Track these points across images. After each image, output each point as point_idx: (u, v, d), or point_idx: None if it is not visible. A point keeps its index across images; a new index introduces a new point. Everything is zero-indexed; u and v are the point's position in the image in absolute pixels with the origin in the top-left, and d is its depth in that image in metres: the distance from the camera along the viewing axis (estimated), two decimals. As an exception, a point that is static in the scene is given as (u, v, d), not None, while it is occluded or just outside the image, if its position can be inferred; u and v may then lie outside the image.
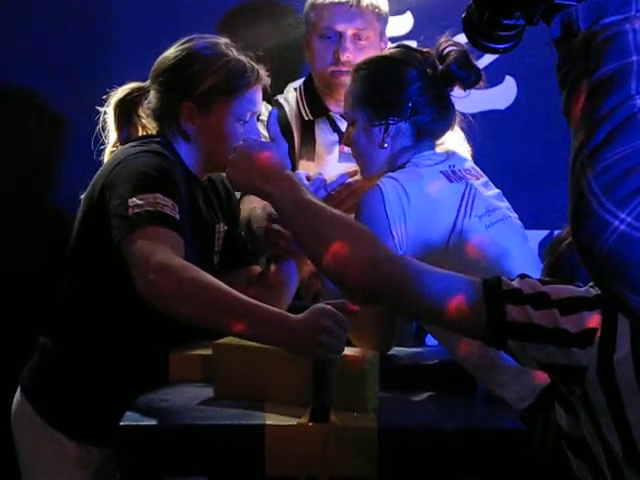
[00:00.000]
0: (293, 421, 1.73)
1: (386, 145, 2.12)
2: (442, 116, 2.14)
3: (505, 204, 2.16)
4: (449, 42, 2.14)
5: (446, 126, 2.17)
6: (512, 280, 1.55)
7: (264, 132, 2.28)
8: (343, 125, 2.55)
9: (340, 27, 2.55)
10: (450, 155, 2.15)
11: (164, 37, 2.20)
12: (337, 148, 2.60)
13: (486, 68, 2.75)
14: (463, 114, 2.22)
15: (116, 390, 2.04)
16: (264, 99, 2.26)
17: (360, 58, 2.36)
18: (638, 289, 1.13)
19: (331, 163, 2.57)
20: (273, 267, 2.25)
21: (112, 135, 2.21)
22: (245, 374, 1.87)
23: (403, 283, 1.58)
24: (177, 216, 1.92)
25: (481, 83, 2.14)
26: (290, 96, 2.69)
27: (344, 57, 2.53)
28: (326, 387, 1.74)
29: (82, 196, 2.11)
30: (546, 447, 1.79)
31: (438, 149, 2.17)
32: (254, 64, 2.14)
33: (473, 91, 2.17)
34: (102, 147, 2.22)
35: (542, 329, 1.49)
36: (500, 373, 1.92)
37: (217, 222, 2.24)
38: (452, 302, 1.53)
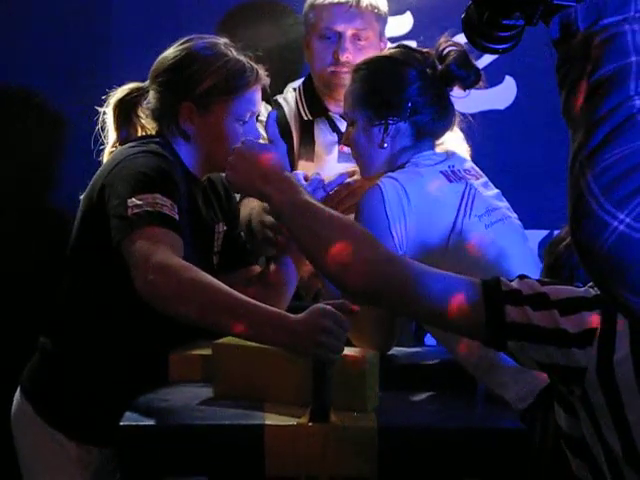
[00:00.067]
0: (293, 421, 1.74)
1: (386, 145, 2.12)
2: (442, 116, 2.14)
3: (505, 204, 2.16)
4: (449, 42, 2.14)
5: (446, 126, 2.17)
6: (511, 281, 1.55)
7: (263, 133, 2.28)
8: (342, 125, 2.55)
9: (339, 27, 2.55)
10: (450, 155, 2.15)
11: (164, 37, 2.20)
12: (336, 148, 2.60)
13: (486, 68, 2.76)
14: (463, 114, 2.22)
15: (116, 390, 2.04)
16: (263, 99, 2.27)
17: (359, 58, 2.36)
18: (637, 289, 1.13)
19: (330, 163, 2.57)
20: (273, 267, 2.25)
21: (111, 135, 2.21)
22: (245, 374, 1.87)
23: (403, 284, 1.58)
24: (176, 216, 1.92)
25: (481, 83, 2.15)
26: (289, 96, 2.69)
27: (343, 57, 2.53)
28: (326, 387, 1.74)
29: (81, 196, 2.11)
30: (546, 447, 1.79)
31: (438, 149, 2.17)
32: (253, 64, 2.14)
33: (473, 91, 2.17)
34: (101, 147, 2.22)
35: (541, 330, 1.49)
36: (499, 373, 1.92)
37: (216, 222, 2.24)
38: (451, 303, 1.53)
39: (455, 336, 1.84)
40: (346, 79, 2.36)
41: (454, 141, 2.33)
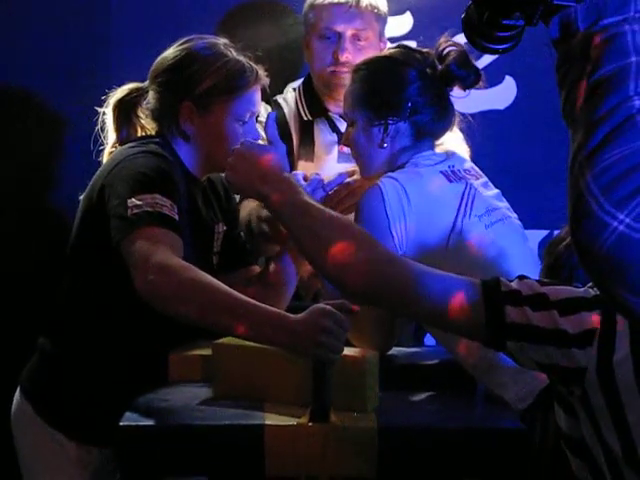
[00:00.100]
0: (293, 421, 1.74)
1: (385, 145, 2.12)
2: (442, 116, 2.14)
3: (505, 204, 2.16)
4: (449, 42, 2.14)
5: (445, 126, 2.17)
6: (511, 281, 1.55)
7: (262, 134, 2.28)
8: (342, 125, 2.55)
9: (339, 27, 2.55)
10: (450, 155, 2.15)
11: (164, 37, 2.20)
12: (336, 148, 2.60)
13: (486, 68, 2.76)
14: (463, 114, 2.21)
15: (116, 390, 2.04)
16: (263, 99, 2.27)
17: (359, 58, 2.36)
18: (636, 290, 1.13)
19: (330, 163, 2.57)
20: (272, 267, 2.25)
21: (111, 136, 2.21)
22: (245, 374, 1.87)
23: (402, 285, 1.58)
24: (176, 216, 1.92)
25: (480, 83, 2.15)
26: (289, 96, 2.69)
27: (343, 57, 2.53)
28: (326, 387, 1.74)
29: (81, 196, 2.11)
30: (546, 447, 1.79)
31: (437, 149, 2.17)
32: (253, 64, 2.14)
33: (473, 91, 2.17)
34: (101, 148, 2.22)
35: (541, 330, 1.49)
36: (499, 374, 1.92)
37: (216, 222, 2.24)
38: (451, 303, 1.53)
39: (455, 336, 1.84)
40: (346, 79, 2.35)
41: (454, 141, 2.33)
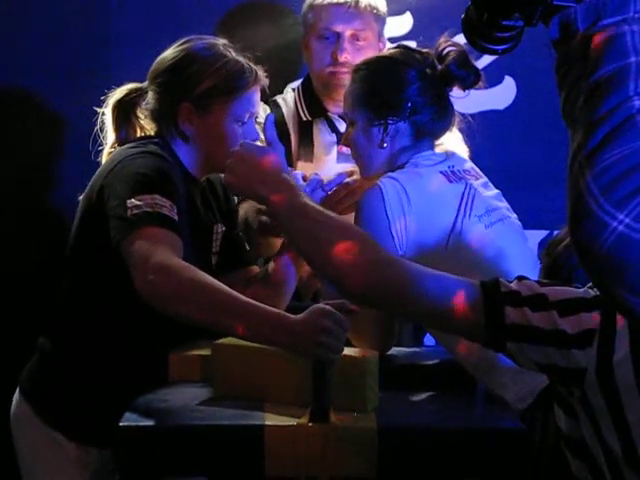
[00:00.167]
0: (293, 421, 1.73)
1: (385, 145, 2.12)
2: (441, 116, 2.14)
3: (504, 204, 2.16)
4: (448, 42, 2.15)
5: (445, 126, 2.17)
6: (510, 282, 1.55)
7: (261, 134, 2.28)
8: (341, 126, 2.55)
9: (338, 28, 2.55)
10: (449, 155, 2.15)
11: (164, 37, 2.20)
12: (335, 149, 2.60)
13: (485, 68, 2.76)
14: (462, 114, 2.22)
15: (115, 390, 2.04)
16: (262, 100, 2.26)
17: (358, 59, 2.36)
18: (636, 290, 1.13)
19: (329, 164, 2.57)
20: (272, 266, 2.25)
21: (110, 136, 2.20)
22: (244, 374, 1.87)
23: (402, 286, 1.57)
24: (175, 217, 1.92)
25: (480, 83, 2.15)
26: (288, 97, 2.69)
27: (342, 58, 2.53)
28: (326, 387, 1.74)
29: (80, 197, 2.11)
30: (546, 447, 1.79)
31: (437, 149, 2.17)
32: (252, 65, 2.14)
33: (472, 91, 2.17)
34: (100, 148, 2.22)
35: (541, 331, 1.49)
36: (499, 374, 1.92)
37: (215, 223, 2.24)
38: (450, 305, 1.52)
39: (455, 336, 1.84)
40: (345, 79, 2.36)
41: (452, 141, 2.33)
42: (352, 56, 2.51)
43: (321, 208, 1.74)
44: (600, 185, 1.14)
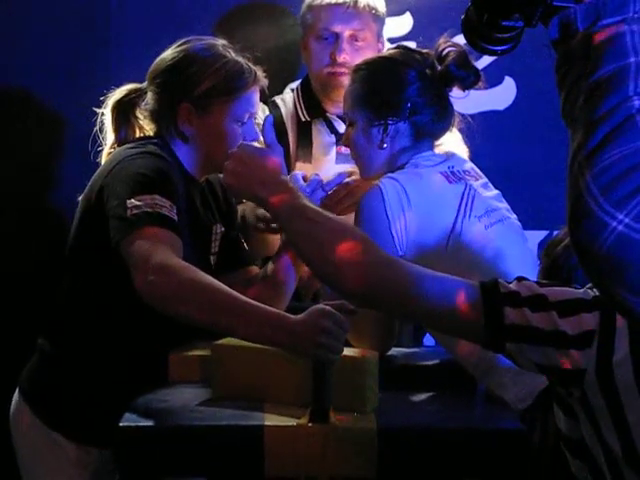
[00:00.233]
0: (293, 422, 1.73)
1: (385, 145, 2.12)
2: (441, 117, 2.14)
3: (504, 205, 2.16)
4: (448, 43, 2.15)
5: (445, 127, 2.17)
6: (510, 283, 1.55)
7: (260, 136, 2.28)
8: (340, 126, 2.55)
9: (337, 28, 2.54)
10: (449, 156, 2.15)
11: (163, 38, 2.20)
12: (334, 149, 2.60)
13: (485, 69, 2.76)
14: (462, 115, 2.22)
15: (115, 391, 2.04)
16: (261, 100, 2.26)
17: (357, 59, 2.36)
18: (636, 290, 1.13)
19: (328, 165, 2.57)
20: (271, 267, 2.25)
21: (109, 137, 2.21)
22: (244, 375, 1.87)
23: (401, 287, 1.57)
24: (175, 217, 1.92)
25: (480, 84, 2.15)
26: (287, 97, 2.69)
27: (341, 58, 2.52)
28: (326, 388, 1.74)
29: (80, 198, 2.11)
30: (545, 447, 1.79)
31: (437, 150, 2.17)
32: (252, 65, 2.14)
33: (472, 92, 2.17)
34: (100, 148, 2.22)
35: (540, 331, 1.49)
36: (499, 374, 1.92)
37: (214, 223, 2.24)
38: (450, 305, 1.52)
39: (454, 337, 1.84)
40: (343, 80, 2.36)
41: (452, 142, 2.33)
42: (351, 56, 2.51)
43: (320, 209, 1.74)
44: (600, 185, 1.14)
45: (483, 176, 2.18)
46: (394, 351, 2.17)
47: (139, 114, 2.20)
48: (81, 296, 2.11)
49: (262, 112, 2.46)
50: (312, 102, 2.63)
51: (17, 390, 2.17)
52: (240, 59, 2.13)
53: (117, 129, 2.19)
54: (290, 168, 2.53)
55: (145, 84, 2.18)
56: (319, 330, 1.71)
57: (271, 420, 1.75)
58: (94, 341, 2.10)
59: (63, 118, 2.92)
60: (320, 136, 2.62)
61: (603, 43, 1.19)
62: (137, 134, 2.21)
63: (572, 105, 1.22)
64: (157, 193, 1.93)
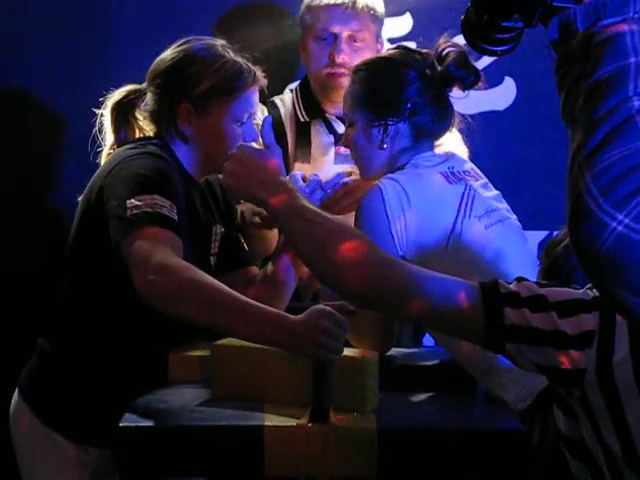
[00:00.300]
0: (292, 422, 1.73)
1: (385, 146, 2.12)
2: (441, 117, 2.14)
3: (504, 205, 2.16)
4: (448, 43, 2.15)
5: (445, 127, 2.17)
6: (509, 283, 1.55)
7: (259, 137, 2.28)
8: (339, 127, 2.55)
9: (335, 29, 2.54)
10: (449, 156, 2.15)
11: (163, 38, 2.20)
12: (333, 150, 2.60)
13: (485, 69, 2.76)
14: (462, 115, 2.22)
15: (115, 391, 2.04)
16: (260, 100, 2.26)
17: (356, 60, 2.36)
18: (635, 290, 1.13)
19: (327, 165, 2.57)
20: (271, 267, 2.25)
21: (109, 137, 2.21)
22: (244, 375, 1.87)
23: (401, 288, 1.57)
24: (175, 217, 1.92)
25: (480, 84, 2.15)
26: (286, 97, 2.69)
27: (339, 59, 2.52)
28: (326, 388, 1.74)
29: (79, 198, 2.11)
30: (545, 447, 1.79)
31: (437, 150, 2.17)
32: (251, 65, 2.14)
33: (472, 92, 2.17)
34: (99, 149, 2.22)
35: (540, 332, 1.49)
36: (498, 375, 1.92)
37: (214, 224, 2.24)
38: (450, 306, 1.53)
39: (454, 337, 1.84)
40: (342, 80, 2.36)
41: (453, 142, 2.33)
42: (349, 57, 2.50)
43: (319, 210, 1.75)
44: (599, 185, 1.14)
45: (483, 176, 2.18)
46: (394, 351, 2.17)
47: (138, 115, 2.20)
48: (81, 296, 2.11)
49: (261, 113, 2.46)
50: (311, 102, 2.63)
51: (17, 390, 2.17)
52: (239, 59, 2.13)
53: (116, 130, 2.19)
54: (288, 168, 2.52)
55: (144, 85, 2.18)
56: (319, 330, 1.71)
57: (271, 420, 1.75)
58: (94, 341, 2.10)
59: (63, 118, 2.92)
60: (319, 136, 2.62)
61: (603, 43, 1.19)
62: (137, 135, 2.21)
63: (572, 105, 1.22)
64: (157, 193, 1.93)
